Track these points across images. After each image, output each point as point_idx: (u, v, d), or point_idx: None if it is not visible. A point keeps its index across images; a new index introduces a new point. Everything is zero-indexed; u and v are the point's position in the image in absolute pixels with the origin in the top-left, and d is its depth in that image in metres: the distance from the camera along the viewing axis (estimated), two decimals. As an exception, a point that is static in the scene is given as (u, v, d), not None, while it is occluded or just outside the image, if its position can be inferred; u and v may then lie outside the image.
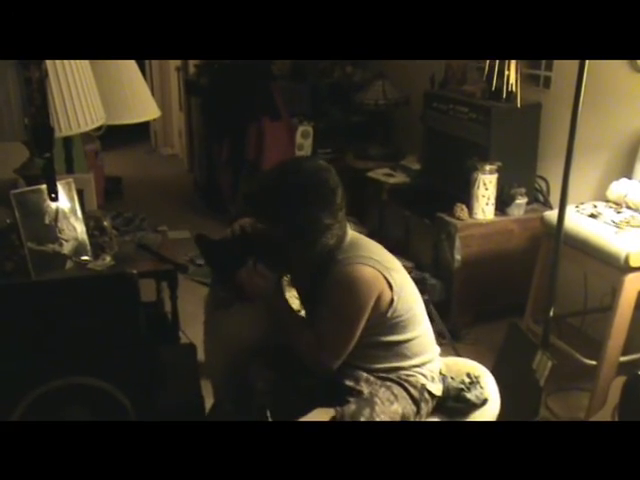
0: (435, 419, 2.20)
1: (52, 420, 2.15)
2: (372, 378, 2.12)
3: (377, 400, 2.06)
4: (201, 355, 2.67)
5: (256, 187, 2.06)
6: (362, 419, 1.99)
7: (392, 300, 2.05)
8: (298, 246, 2.05)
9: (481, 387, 2.21)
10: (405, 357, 2.14)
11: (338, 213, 2.02)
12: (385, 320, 2.08)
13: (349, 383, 2.12)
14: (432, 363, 2.20)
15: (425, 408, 2.15)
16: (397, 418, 2.07)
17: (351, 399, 2.08)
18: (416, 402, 2.12)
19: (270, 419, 2.23)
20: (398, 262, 2.20)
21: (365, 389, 2.10)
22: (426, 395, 2.14)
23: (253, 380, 2.16)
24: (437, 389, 2.18)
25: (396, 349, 2.13)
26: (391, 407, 2.06)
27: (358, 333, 2.06)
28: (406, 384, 2.11)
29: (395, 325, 2.10)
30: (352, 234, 2.14)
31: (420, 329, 2.18)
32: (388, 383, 2.12)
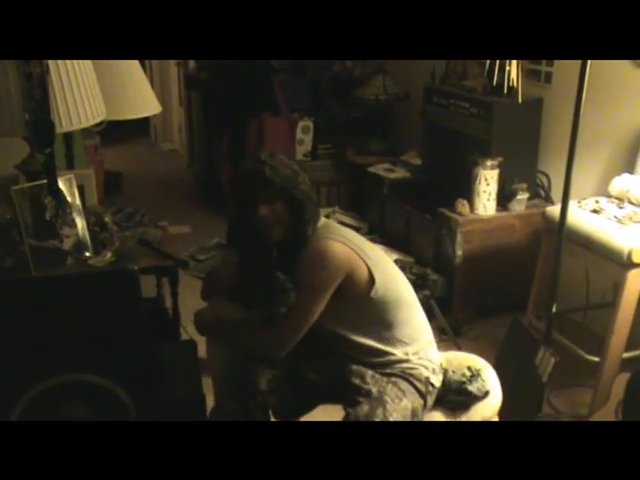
0: (437, 412, 2.20)
1: (52, 417, 2.15)
2: (377, 375, 2.13)
3: (387, 398, 2.07)
4: (202, 351, 2.66)
5: (252, 168, 2.12)
6: (376, 420, 2.01)
7: (372, 279, 2.08)
8: (295, 224, 2.10)
9: (482, 380, 2.22)
10: (402, 343, 2.15)
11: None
12: (371, 301, 2.09)
13: (355, 381, 2.13)
14: (431, 352, 2.21)
15: (430, 401, 2.17)
16: (408, 414, 2.08)
17: (361, 399, 2.09)
18: (423, 395, 2.13)
19: (272, 419, 2.23)
20: (377, 247, 2.25)
21: (373, 387, 2.11)
22: (430, 388, 2.16)
23: (256, 379, 2.15)
24: (438, 380, 2.19)
25: (392, 333, 2.14)
26: (401, 403, 2.07)
27: (317, 312, 2.07)
28: (411, 378, 2.12)
29: (385, 307, 2.11)
30: (325, 220, 2.19)
31: (411, 312, 2.20)
32: (394, 379, 2.12)
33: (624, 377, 2.46)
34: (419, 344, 2.18)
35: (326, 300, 2.06)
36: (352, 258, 2.07)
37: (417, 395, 2.12)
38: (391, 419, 2.02)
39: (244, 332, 2.21)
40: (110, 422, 1.63)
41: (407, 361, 2.15)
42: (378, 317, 2.12)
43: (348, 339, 2.15)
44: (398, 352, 2.15)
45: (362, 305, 2.10)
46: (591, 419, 2.76)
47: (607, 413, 2.53)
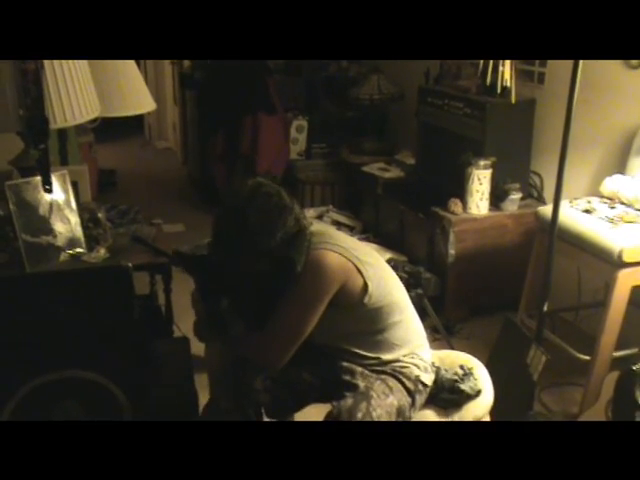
0: (429, 411, 2.20)
1: (44, 414, 2.16)
2: (367, 372, 2.13)
3: (373, 394, 2.06)
4: (194, 349, 2.67)
5: (226, 244, 2.02)
6: (359, 414, 1.99)
7: (366, 287, 2.05)
8: (284, 265, 2.02)
9: (475, 378, 2.22)
10: (394, 346, 2.14)
11: (295, 210, 2.03)
12: (364, 308, 2.07)
13: (345, 377, 2.13)
14: (423, 351, 2.21)
15: (419, 400, 2.16)
16: (393, 411, 2.07)
17: (347, 393, 2.08)
18: (411, 394, 2.13)
19: (265, 417, 2.23)
20: (370, 249, 2.21)
21: (361, 383, 2.11)
22: (420, 386, 2.15)
23: (250, 377, 2.16)
24: (429, 379, 2.19)
25: (384, 336, 2.13)
26: (387, 400, 2.06)
27: (312, 323, 2.04)
28: (400, 376, 2.12)
29: (377, 312, 2.10)
30: (317, 226, 2.15)
31: (404, 315, 2.18)
32: (383, 376, 2.12)
33: (614, 376, 2.48)
34: (412, 345, 2.18)
35: (321, 311, 2.03)
36: (347, 267, 2.03)
37: (405, 393, 2.11)
38: (374, 414, 2.00)
39: (241, 345, 2.18)
40: (101, 421, 1.63)
41: (398, 361, 2.15)
42: (370, 322, 2.11)
43: (338, 347, 2.15)
44: (390, 355, 2.14)
45: (354, 312, 2.08)
46: (581, 417, 2.78)
47: (597, 411, 2.54)
